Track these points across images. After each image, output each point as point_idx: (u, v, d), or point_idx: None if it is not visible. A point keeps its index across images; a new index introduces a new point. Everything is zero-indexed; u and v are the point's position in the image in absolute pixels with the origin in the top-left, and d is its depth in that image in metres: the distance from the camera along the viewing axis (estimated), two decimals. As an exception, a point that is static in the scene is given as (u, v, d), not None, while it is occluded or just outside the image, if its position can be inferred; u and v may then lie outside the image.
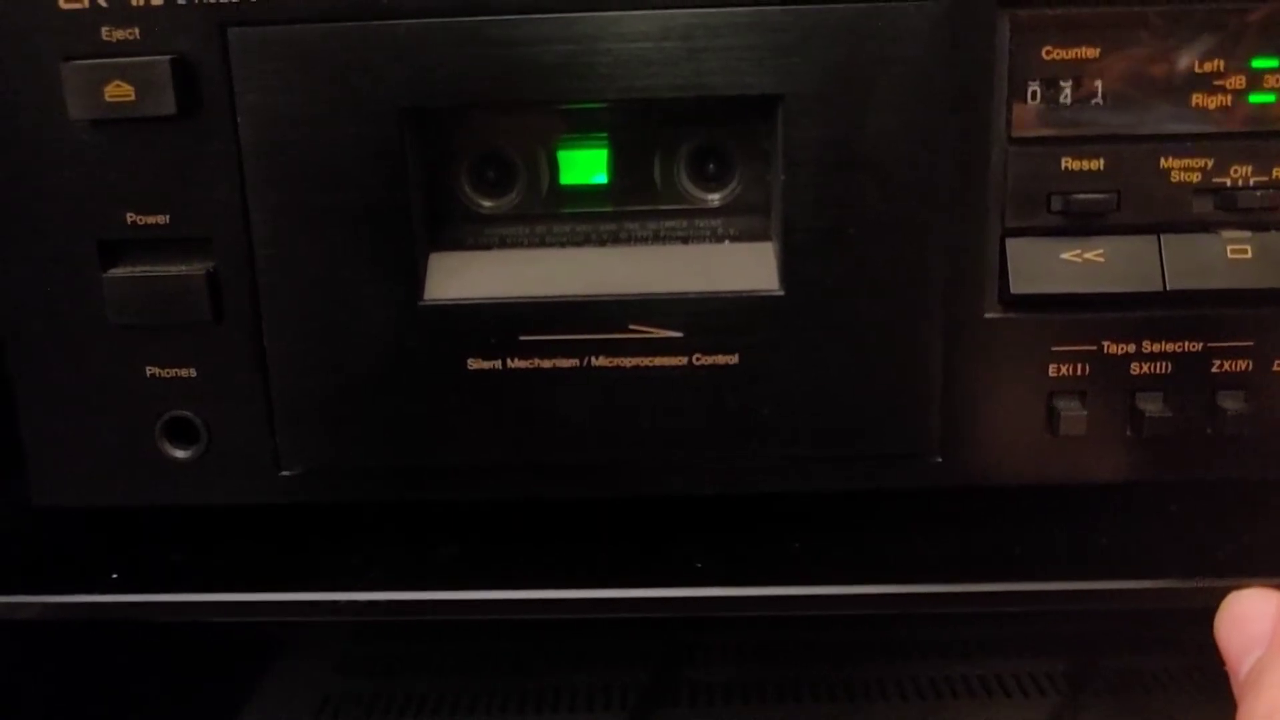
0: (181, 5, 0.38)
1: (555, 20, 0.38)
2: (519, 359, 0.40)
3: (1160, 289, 0.40)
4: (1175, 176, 0.40)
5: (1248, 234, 0.40)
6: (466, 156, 0.43)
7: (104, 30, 0.38)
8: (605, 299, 0.40)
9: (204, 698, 0.61)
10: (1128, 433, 0.41)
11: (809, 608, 0.41)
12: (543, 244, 0.42)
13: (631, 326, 0.40)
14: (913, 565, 0.42)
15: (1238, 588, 0.35)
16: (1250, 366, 0.41)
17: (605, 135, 0.43)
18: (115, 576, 0.43)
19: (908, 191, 0.39)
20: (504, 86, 0.38)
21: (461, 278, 0.41)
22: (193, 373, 0.41)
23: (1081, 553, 0.43)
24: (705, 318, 0.40)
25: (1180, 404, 0.41)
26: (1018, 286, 0.40)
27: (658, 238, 0.42)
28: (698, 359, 0.40)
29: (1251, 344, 0.40)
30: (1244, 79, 0.39)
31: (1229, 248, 0.40)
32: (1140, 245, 0.40)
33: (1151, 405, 0.41)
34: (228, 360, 0.41)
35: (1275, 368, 0.41)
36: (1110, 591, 0.41)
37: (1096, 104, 0.39)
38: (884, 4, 0.38)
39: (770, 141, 0.40)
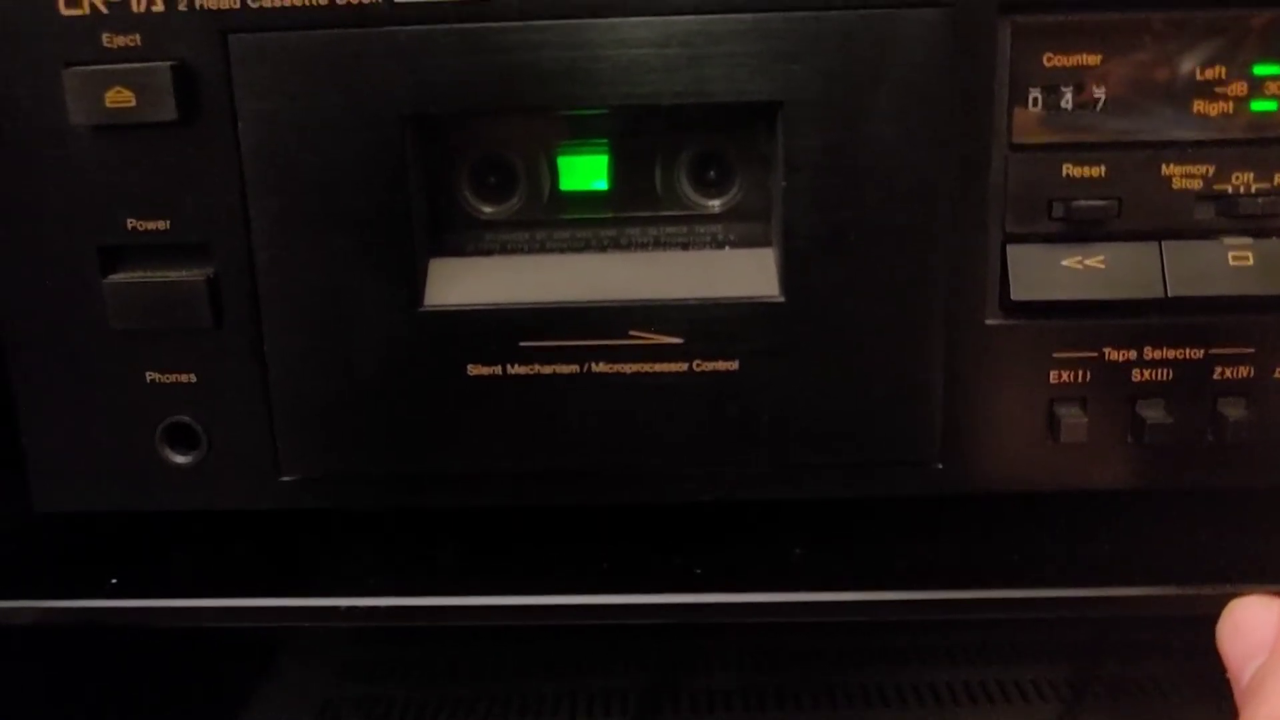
0: (182, 11, 0.38)
1: (556, 27, 0.38)
2: (519, 365, 0.40)
3: (1161, 296, 0.39)
4: (1177, 183, 0.40)
5: (1249, 241, 0.40)
6: (467, 162, 0.43)
7: (105, 36, 0.38)
8: (606, 305, 0.40)
9: (204, 703, 0.61)
10: (1129, 440, 0.41)
11: (809, 614, 0.41)
12: (543, 250, 0.42)
13: (632, 333, 0.40)
14: (914, 572, 0.42)
15: (1239, 595, 0.35)
16: (1251, 373, 0.41)
17: (605, 141, 0.43)
18: (114, 582, 0.43)
19: (908, 198, 0.39)
20: (505, 93, 0.38)
21: (462, 284, 0.41)
22: (193, 378, 0.41)
23: (1082, 559, 0.43)
24: (705, 324, 0.40)
25: (1181, 411, 0.41)
26: (1019, 293, 0.40)
27: (658, 244, 0.42)
28: (698, 365, 0.40)
29: (1253, 351, 0.40)
30: (1245, 86, 0.39)
31: (1230, 254, 0.40)
32: (1141, 252, 0.40)
33: (1152, 412, 0.41)
34: (228, 366, 0.41)
35: (1277, 375, 0.41)
36: (1111, 599, 0.41)
37: (1098, 110, 0.39)
38: (884, 11, 0.38)
39: (771, 148, 0.40)
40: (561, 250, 0.42)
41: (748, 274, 0.40)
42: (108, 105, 0.38)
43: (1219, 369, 0.41)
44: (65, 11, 0.38)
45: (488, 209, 0.43)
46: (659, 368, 0.40)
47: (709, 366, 0.40)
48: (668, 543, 0.44)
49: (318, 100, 0.38)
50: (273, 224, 0.40)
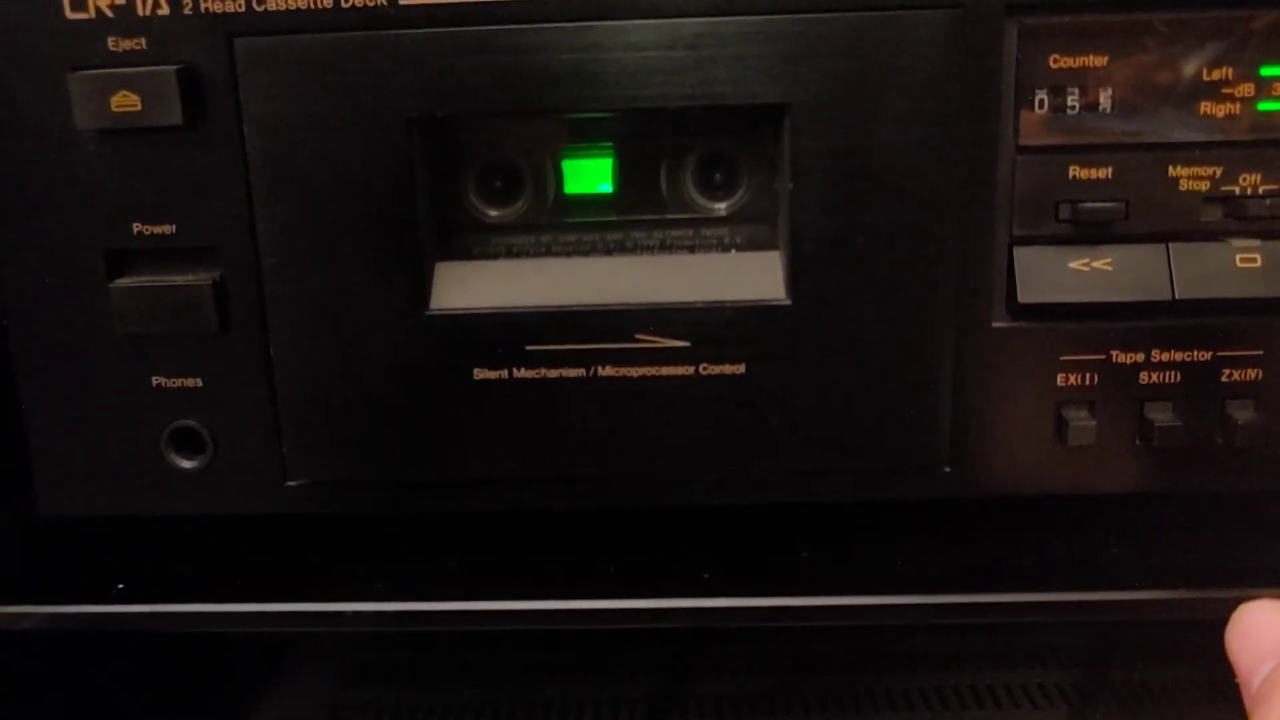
0: (188, 15, 0.38)
1: (563, 29, 0.38)
2: (526, 369, 0.40)
3: (1169, 298, 0.39)
4: (1184, 185, 0.39)
5: (1257, 243, 0.40)
6: (473, 166, 0.43)
7: (110, 40, 0.38)
8: (612, 309, 0.40)
9: (210, 707, 0.61)
10: (1137, 442, 0.41)
11: (817, 619, 0.41)
12: (549, 253, 0.42)
13: (638, 336, 0.40)
14: (921, 576, 0.42)
15: (1248, 599, 0.35)
16: (1260, 376, 0.40)
17: (610, 144, 0.43)
18: (121, 587, 0.43)
19: (915, 201, 0.39)
20: (511, 95, 0.38)
21: (468, 287, 0.41)
22: (199, 383, 0.41)
23: (1091, 563, 0.42)
24: (712, 327, 0.40)
25: (1189, 414, 0.41)
26: (1026, 296, 0.40)
27: (664, 247, 0.42)
28: (704, 369, 0.40)
29: (1261, 353, 0.40)
30: (1253, 87, 0.39)
31: (1238, 256, 0.39)
32: (1149, 254, 0.40)
33: (1161, 415, 0.41)
34: (234, 370, 0.41)
35: (1285, 377, 0.41)
36: (1120, 602, 0.41)
37: (1104, 112, 0.39)
38: (891, 13, 0.38)
39: (777, 150, 0.40)
40: (568, 253, 0.42)
41: (754, 277, 0.40)
42: (113, 109, 0.38)
43: (1227, 371, 0.40)
44: (70, 15, 0.38)
45: (494, 212, 0.43)
46: (665, 371, 0.40)
47: (715, 370, 0.40)
48: (675, 547, 0.44)
49: (323, 104, 0.38)
50: (279, 228, 0.39)
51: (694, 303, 0.40)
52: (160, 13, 0.38)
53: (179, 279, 0.40)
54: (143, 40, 0.38)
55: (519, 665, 0.63)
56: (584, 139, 0.43)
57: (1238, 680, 0.33)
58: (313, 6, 0.38)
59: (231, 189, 0.39)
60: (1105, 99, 0.39)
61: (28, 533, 0.47)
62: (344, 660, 0.65)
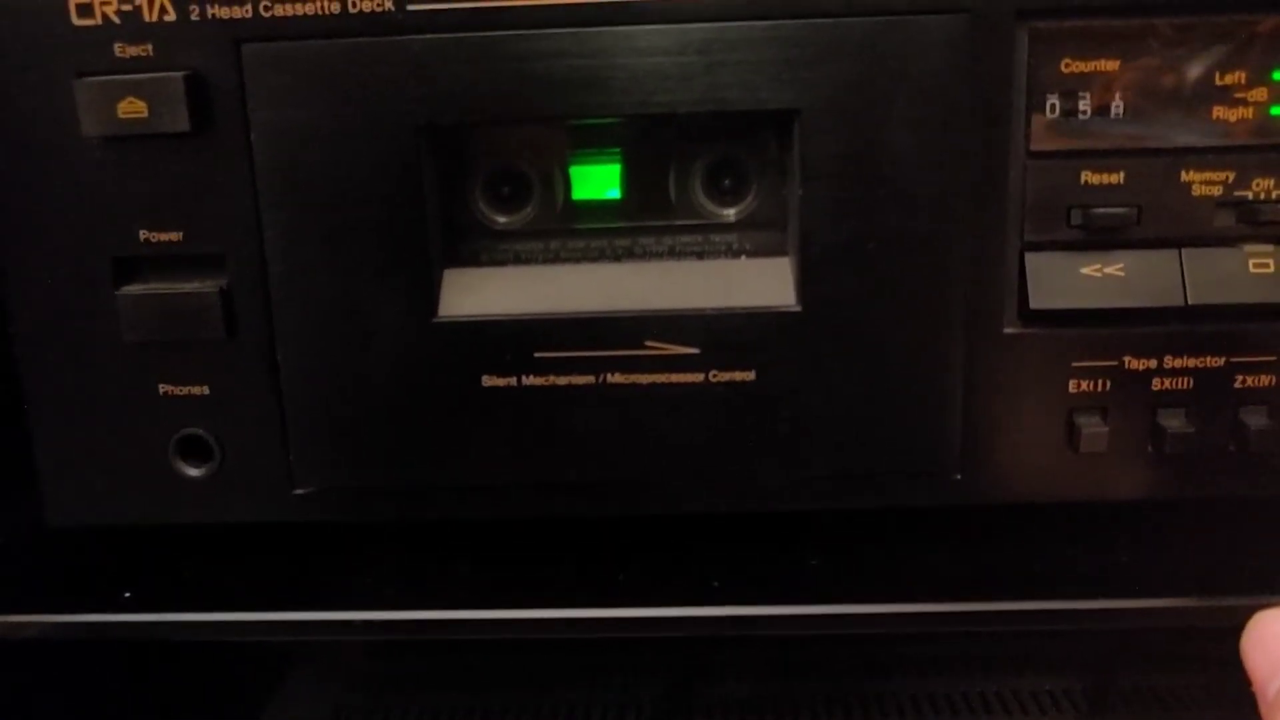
0: (195, 21, 0.38)
1: (571, 35, 0.38)
2: (534, 376, 0.40)
3: (1182, 304, 0.39)
4: (1196, 190, 0.39)
5: (1270, 248, 0.39)
6: (481, 172, 0.42)
7: (117, 46, 0.38)
8: (621, 315, 0.40)
9: (214, 713, 0.61)
10: (1149, 449, 0.41)
11: (827, 627, 0.41)
12: (558, 260, 0.42)
13: (647, 343, 0.40)
14: (932, 583, 0.42)
15: (1261, 607, 0.35)
16: (1274, 382, 0.40)
17: (618, 150, 0.43)
18: (128, 595, 0.43)
19: (926, 206, 0.39)
20: (519, 102, 0.38)
21: (476, 294, 0.40)
22: (206, 390, 0.41)
23: (1103, 570, 0.42)
24: (722, 334, 0.40)
25: (1202, 420, 0.40)
26: (1037, 302, 0.39)
27: (673, 253, 0.42)
28: (714, 375, 0.40)
29: (1275, 359, 0.40)
30: (1265, 91, 0.39)
31: (1251, 262, 0.39)
32: (1161, 259, 0.39)
33: (1173, 421, 0.40)
34: (241, 377, 0.41)
35: (1299, 383, 0.40)
36: (1132, 610, 0.40)
37: (1116, 117, 0.39)
38: (901, 18, 0.37)
39: (787, 156, 0.40)
40: (576, 260, 0.42)
41: (764, 283, 0.40)
42: (120, 116, 0.38)
43: (1240, 377, 0.40)
44: (77, 22, 0.38)
45: (502, 219, 0.43)
46: (675, 378, 0.40)
47: (725, 377, 0.40)
48: (684, 555, 0.44)
49: (331, 110, 0.38)
50: (286, 235, 0.39)
51: (704, 309, 0.40)
52: (167, 19, 0.38)
53: (186, 286, 0.40)
54: (149, 47, 0.38)
55: (525, 670, 0.63)
56: (592, 145, 0.43)
57: (1253, 688, 0.33)
58: (320, 12, 0.38)
59: (239, 196, 0.39)
60: (1117, 104, 0.39)
61: (34, 540, 0.47)
62: (349, 665, 0.65)
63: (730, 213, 0.43)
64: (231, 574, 0.45)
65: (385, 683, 0.63)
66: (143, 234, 0.40)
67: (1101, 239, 0.39)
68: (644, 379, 0.40)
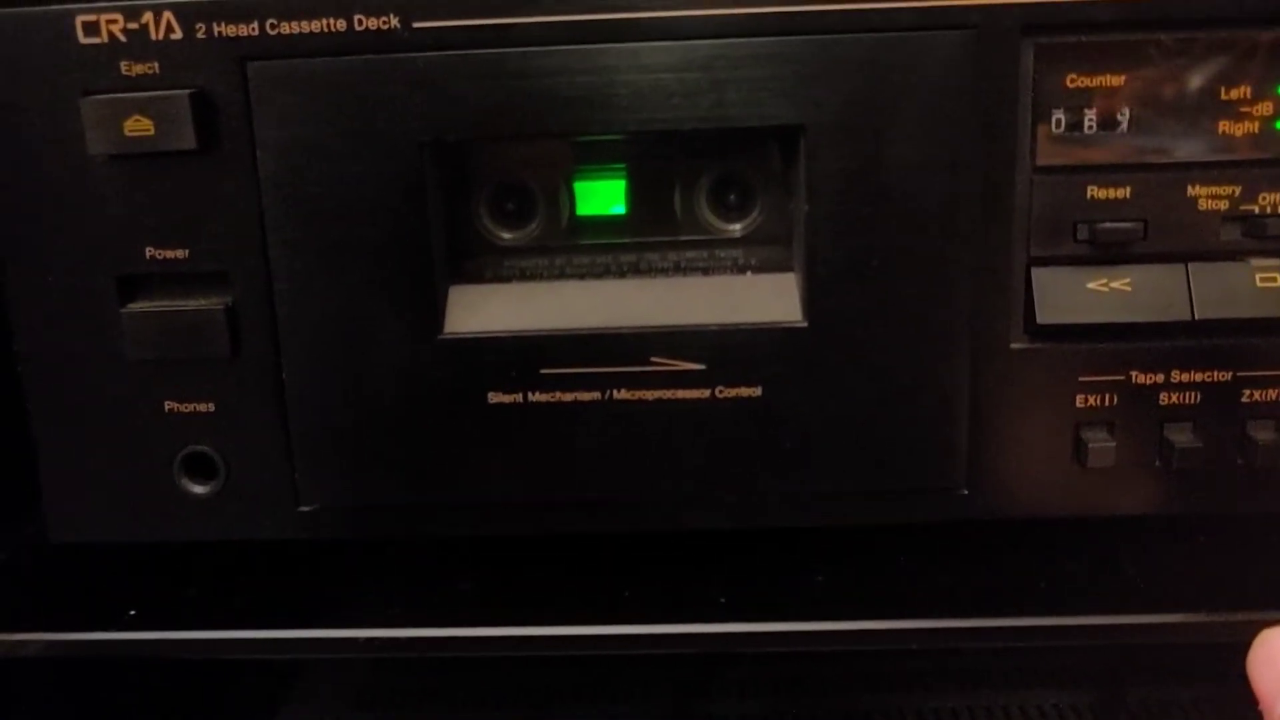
0: (201, 39, 0.38)
1: (576, 52, 0.38)
2: (540, 392, 0.40)
3: (1189, 318, 0.39)
4: (1203, 204, 0.39)
5: (1277, 262, 0.39)
6: (486, 189, 0.42)
7: (123, 65, 0.38)
8: (627, 331, 0.40)
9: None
10: (1156, 464, 0.41)
11: (834, 643, 0.41)
12: (563, 276, 0.42)
13: (653, 359, 0.40)
14: (939, 599, 0.41)
15: (1270, 622, 0.35)
16: (1281, 396, 0.40)
17: (624, 166, 0.43)
18: (132, 613, 0.42)
19: (932, 222, 0.39)
20: (524, 119, 0.38)
21: (481, 311, 0.40)
22: (211, 408, 0.41)
23: (1110, 586, 0.42)
24: (728, 350, 0.40)
25: (1210, 435, 0.40)
26: (1044, 316, 0.39)
27: (679, 269, 0.42)
28: (720, 392, 0.40)
29: (1282, 373, 0.40)
30: (1271, 105, 0.39)
31: (1258, 276, 0.39)
32: (1168, 274, 0.39)
33: (1181, 436, 0.40)
34: (246, 395, 0.41)
35: (1307, 397, 0.40)
36: (1140, 626, 0.40)
37: (1122, 131, 0.39)
38: (907, 33, 0.37)
39: (792, 172, 0.40)
40: (582, 276, 0.42)
41: (770, 299, 0.40)
42: (126, 134, 0.38)
43: (1248, 392, 0.40)
44: (83, 40, 0.38)
45: (507, 235, 0.43)
46: (681, 394, 0.40)
47: (731, 393, 0.40)
48: (690, 571, 0.44)
49: (337, 127, 0.38)
50: (291, 252, 0.39)
51: (709, 325, 0.40)
52: (173, 37, 0.38)
53: (191, 304, 0.40)
54: (156, 65, 0.38)
55: (531, 687, 0.63)
56: (597, 161, 0.43)
57: (1260, 706, 0.33)
58: (326, 30, 0.38)
59: (244, 213, 0.39)
60: (1122, 118, 0.39)
61: (37, 557, 0.47)
62: (354, 682, 0.64)
63: (736, 228, 0.43)
64: (236, 591, 0.44)
65: (391, 698, 0.63)
66: (148, 251, 0.40)
67: (1108, 254, 0.39)
68: (650, 395, 0.40)
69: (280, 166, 0.39)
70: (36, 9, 0.38)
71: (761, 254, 0.42)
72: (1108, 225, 0.39)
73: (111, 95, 0.38)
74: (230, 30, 0.38)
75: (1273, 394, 0.40)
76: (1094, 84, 0.38)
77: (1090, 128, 0.39)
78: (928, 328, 0.39)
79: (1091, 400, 0.40)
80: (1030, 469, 0.41)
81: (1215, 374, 0.40)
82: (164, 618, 0.42)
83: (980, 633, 0.41)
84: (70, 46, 0.38)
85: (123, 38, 0.38)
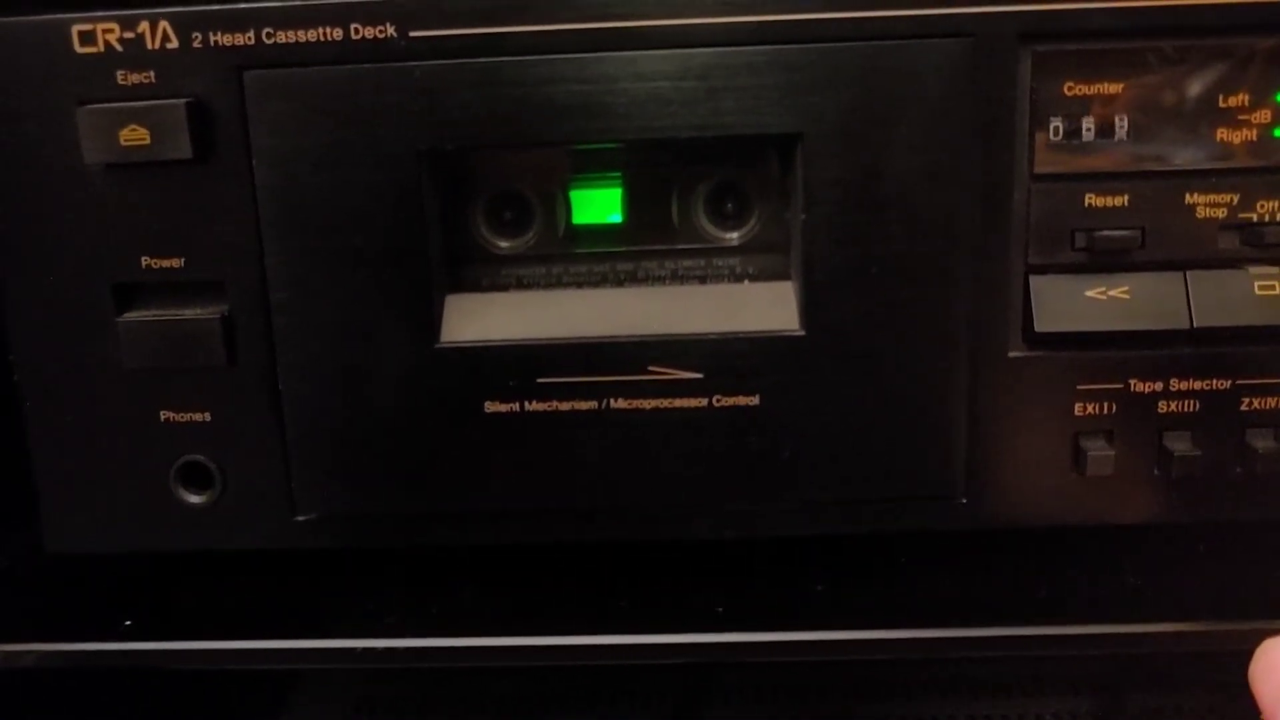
0: (197, 49, 0.38)
1: (572, 61, 0.38)
2: (537, 401, 0.40)
3: (1187, 326, 0.39)
4: (1200, 212, 0.39)
5: (1275, 269, 0.39)
6: (483, 197, 0.42)
7: (119, 74, 0.38)
8: (624, 340, 0.40)
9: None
10: (1155, 473, 0.41)
11: (832, 653, 0.41)
12: (560, 285, 0.42)
13: (650, 368, 0.40)
14: (938, 608, 0.41)
15: (1270, 630, 0.34)
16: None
17: (620, 175, 0.43)
18: (128, 624, 0.42)
19: (929, 230, 0.38)
20: (521, 127, 0.38)
21: (478, 320, 0.40)
22: (207, 417, 0.41)
23: (1110, 594, 0.42)
24: (725, 358, 0.40)
25: (1209, 443, 0.40)
26: (1042, 325, 0.39)
27: (676, 277, 0.42)
28: (718, 400, 0.40)
29: (1281, 381, 0.40)
30: (1269, 113, 0.39)
31: (1256, 284, 0.39)
32: (1166, 282, 0.39)
33: (1180, 444, 0.40)
34: (242, 404, 0.41)
35: (1306, 405, 0.40)
36: (1139, 635, 0.40)
37: (1119, 139, 0.39)
38: (904, 41, 0.37)
39: (789, 180, 0.40)
40: (579, 285, 0.42)
41: (767, 308, 0.40)
42: (122, 143, 0.38)
43: (1246, 400, 0.40)
44: (79, 50, 0.38)
45: (504, 244, 0.43)
46: (678, 403, 0.40)
47: (729, 402, 0.40)
48: (688, 580, 0.44)
49: (333, 136, 0.38)
50: (288, 261, 0.39)
51: (707, 334, 0.40)
52: (169, 46, 0.38)
53: (187, 313, 0.40)
54: (151, 74, 0.38)
55: (528, 696, 0.63)
56: (594, 169, 0.42)
57: (1262, 717, 0.33)
58: (322, 39, 0.38)
59: (240, 222, 0.39)
60: (1120, 126, 0.39)
61: (33, 567, 0.47)
62: (352, 691, 0.64)
63: (733, 236, 0.43)
64: (232, 601, 0.44)
65: (389, 708, 0.63)
66: (144, 260, 0.40)
67: (1106, 261, 0.39)
68: (647, 404, 0.40)
69: (276, 175, 0.39)
70: (32, 18, 0.38)
71: (759, 262, 0.42)
72: (1106, 233, 0.39)
73: (107, 105, 0.38)
74: (226, 40, 0.38)
75: (1271, 402, 0.40)
76: (1092, 92, 0.38)
77: (1088, 136, 0.39)
78: (926, 336, 0.39)
79: (1090, 409, 0.40)
80: (1029, 477, 0.41)
81: (1214, 382, 0.40)
82: (160, 628, 0.42)
83: (979, 642, 0.40)
84: (66, 56, 0.38)
85: (119, 47, 0.38)
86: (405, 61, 0.38)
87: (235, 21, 0.38)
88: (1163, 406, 0.40)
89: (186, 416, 0.41)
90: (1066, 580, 0.43)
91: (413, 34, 0.38)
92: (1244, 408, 0.40)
